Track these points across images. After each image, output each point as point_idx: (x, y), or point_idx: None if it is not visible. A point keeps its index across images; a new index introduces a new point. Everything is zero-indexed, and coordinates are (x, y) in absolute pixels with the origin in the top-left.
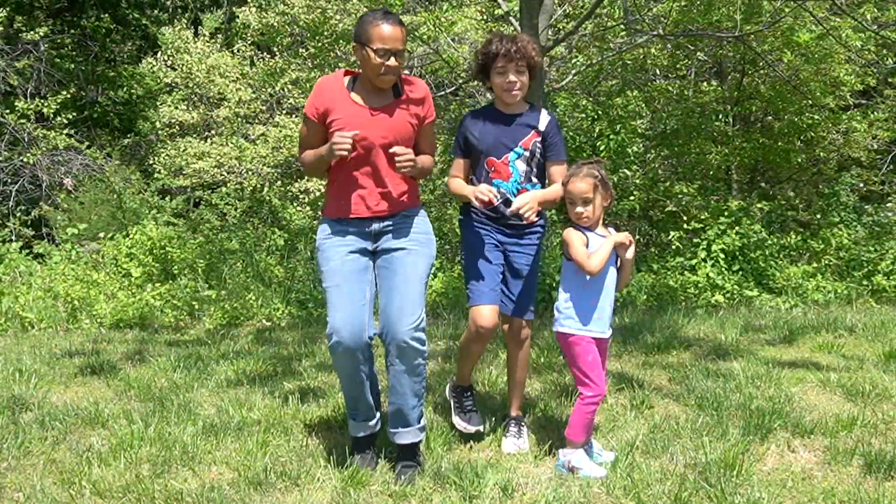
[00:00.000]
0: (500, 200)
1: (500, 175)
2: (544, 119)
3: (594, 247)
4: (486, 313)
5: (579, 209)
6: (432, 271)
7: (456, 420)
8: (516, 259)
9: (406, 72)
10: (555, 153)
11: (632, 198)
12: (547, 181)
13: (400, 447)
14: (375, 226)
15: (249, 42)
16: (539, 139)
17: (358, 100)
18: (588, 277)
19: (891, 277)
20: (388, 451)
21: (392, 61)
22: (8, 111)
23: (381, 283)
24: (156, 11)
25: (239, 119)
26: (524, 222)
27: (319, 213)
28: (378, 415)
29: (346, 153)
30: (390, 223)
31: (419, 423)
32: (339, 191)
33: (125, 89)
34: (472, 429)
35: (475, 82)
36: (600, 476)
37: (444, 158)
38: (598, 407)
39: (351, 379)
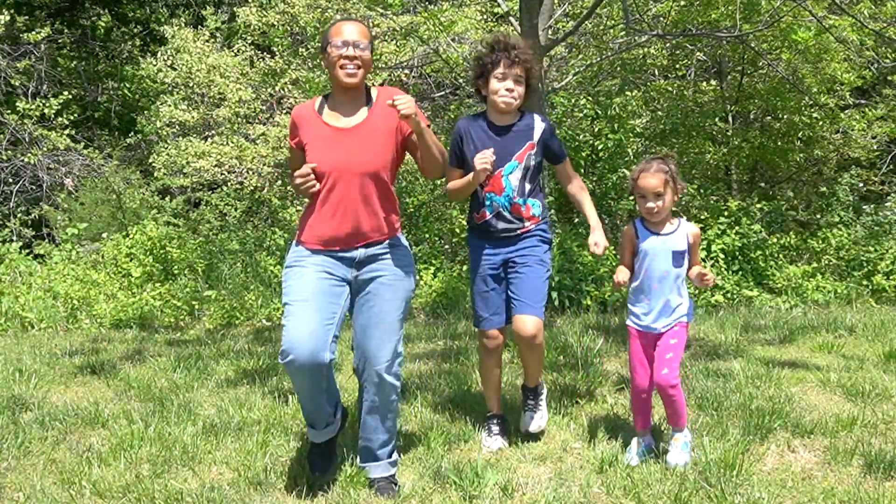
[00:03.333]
0: (493, 214)
1: (493, 189)
2: (538, 128)
3: (647, 247)
4: (489, 334)
5: (650, 204)
6: (439, 275)
7: (483, 439)
8: (517, 261)
9: (406, 72)
10: (560, 155)
11: (631, 198)
12: (558, 181)
13: (371, 480)
14: (360, 254)
15: (249, 42)
16: (534, 151)
17: (330, 120)
18: (639, 276)
19: (891, 277)
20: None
21: (351, 51)
22: (9, 111)
23: (359, 316)
24: (158, 7)
25: (239, 119)
26: (520, 232)
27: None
28: (338, 416)
29: (312, 187)
30: (375, 252)
31: (390, 458)
32: (316, 220)
33: (127, 85)
34: (489, 448)
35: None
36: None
37: None
38: (648, 398)
39: (309, 394)
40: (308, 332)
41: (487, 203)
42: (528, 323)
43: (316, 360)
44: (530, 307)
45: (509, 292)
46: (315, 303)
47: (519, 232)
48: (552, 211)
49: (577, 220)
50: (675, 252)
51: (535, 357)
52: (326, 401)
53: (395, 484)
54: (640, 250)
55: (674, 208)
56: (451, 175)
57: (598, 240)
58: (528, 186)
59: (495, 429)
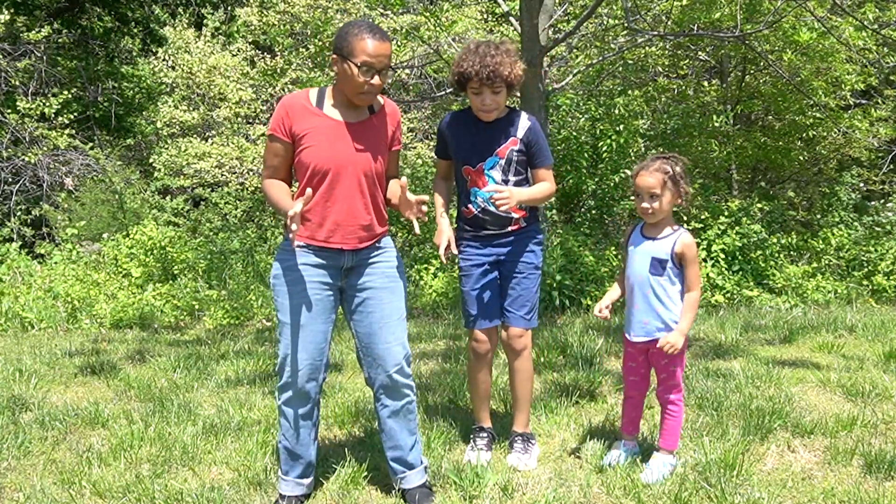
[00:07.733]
0: (479, 210)
1: (476, 184)
2: (523, 126)
3: (631, 249)
4: (479, 336)
5: (644, 204)
6: (439, 275)
7: (466, 453)
8: (508, 266)
9: (406, 71)
10: (540, 159)
11: (633, 198)
12: (532, 184)
13: (408, 493)
14: (348, 261)
15: (250, 42)
16: (517, 147)
17: (331, 114)
18: (627, 282)
19: (891, 277)
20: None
21: (376, 80)
22: (9, 111)
23: (360, 325)
24: (158, 7)
25: (239, 119)
26: (511, 229)
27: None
28: (313, 473)
29: (294, 231)
30: (363, 257)
31: (422, 463)
32: (312, 213)
33: (127, 85)
34: (474, 463)
35: None
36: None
37: None
38: (638, 405)
39: (298, 424)
40: (308, 358)
41: (472, 198)
42: (516, 334)
43: (314, 383)
44: (520, 319)
45: (501, 300)
46: (312, 326)
47: (510, 229)
48: (553, 211)
49: (578, 219)
50: (655, 258)
51: (522, 373)
52: (314, 437)
53: (432, 491)
54: (627, 253)
55: (680, 211)
56: (439, 165)
57: (500, 189)
58: (512, 179)
59: (481, 442)
